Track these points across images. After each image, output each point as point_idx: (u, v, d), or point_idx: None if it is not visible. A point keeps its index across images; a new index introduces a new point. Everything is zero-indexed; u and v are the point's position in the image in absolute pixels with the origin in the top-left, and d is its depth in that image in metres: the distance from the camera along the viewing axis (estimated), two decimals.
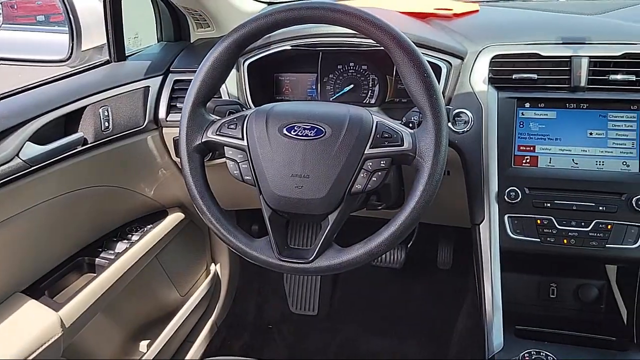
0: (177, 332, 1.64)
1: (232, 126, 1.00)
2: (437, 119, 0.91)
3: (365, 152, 0.93)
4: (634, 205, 1.06)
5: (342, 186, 0.94)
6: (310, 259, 0.96)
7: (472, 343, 1.78)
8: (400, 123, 0.99)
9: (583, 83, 1.13)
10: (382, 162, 0.93)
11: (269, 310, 2.06)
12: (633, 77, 1.11)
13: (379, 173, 0.94)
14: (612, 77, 1.11)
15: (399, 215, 0.93)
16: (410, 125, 0.99)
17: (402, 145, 0.93)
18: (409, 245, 1.95)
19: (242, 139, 0.99)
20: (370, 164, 0.93)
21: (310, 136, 0.95)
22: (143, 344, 1.54)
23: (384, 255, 1.93)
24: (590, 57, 1.13)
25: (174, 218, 1.60)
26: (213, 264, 1.92)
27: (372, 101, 1.38)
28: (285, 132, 0.96)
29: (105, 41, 1.40)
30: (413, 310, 1.99)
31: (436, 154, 0.91)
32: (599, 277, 1.29)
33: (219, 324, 1.94)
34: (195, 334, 1.82)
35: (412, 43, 0.92)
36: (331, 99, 1.40)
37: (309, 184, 0.94)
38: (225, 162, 1.01)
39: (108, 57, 1.41)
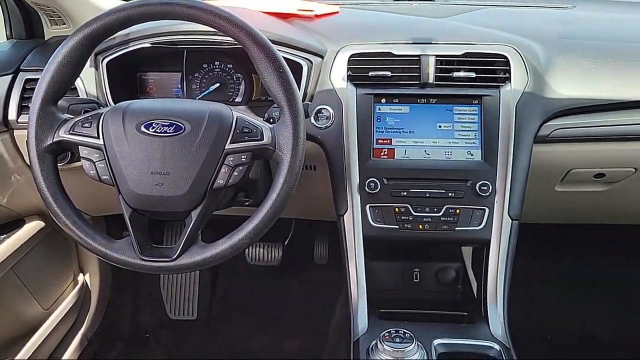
0: (40, 348, 1.54)
1: (87, 125, 0.97)
2: (293, 112, 0.94)
3: (226, 148, 0.95)
4: (478, 190, 1.16)
5: (203, 182, 0.94)
6: (174, 257, 0.95)
7: (347, 332, 1.84)
8: (263, 119, 1.02)
9: (431, 80, 1.22)
10: (242, 157, 0.95)
11: (145, 318, 2.00)
12: (473, 75, 1.21)
13: (241, 168, 0.95)
14: (456, 74, 1.22)
15: (261, 209, 0.95)
16: (271, 120, 1.02)
17: (262, 140, 0.95)
18: (286, 243, 1.99)
19: (98, 137, 0.96)
20: (232, 158, 0.95)
21: (169, 133, 0.94)
22: None
23: (261, 254, 1.95)
24: (436, 56, 1.22)
25: (33, 227, 1.50)
26: (81, 274, 1.82)
27: (239, 100, 1.39)
28: (143, 129, 0.94)
29: None
30: (292, 306, 2.03)
31: (294, 147, 0.94)
32: (457, 260, 1.39)
33: (89, 336, 1.84)
34: (63, 348, 1.71)
35: (267, 39, 0.94)
36: (197, 98, 1.39)
37: (170, 181, 0.93)
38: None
39: None
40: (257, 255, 1.94)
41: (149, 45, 1.26)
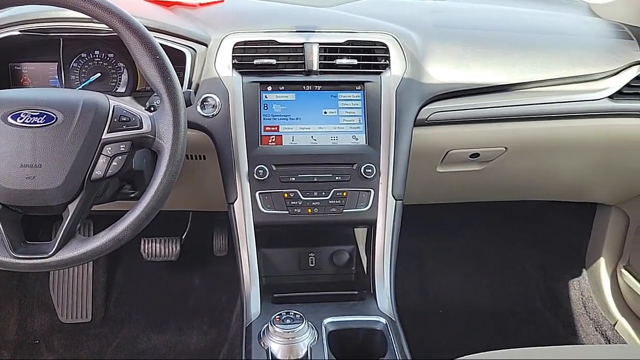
0: None
1: None
2: (173, 100, 0.93)
3: (103, 137, 0.92)
4: (363, 173, 1.21)
5: (80, 173, 0.91)
6: (51, 252, 0.91)
7: None
8: (145, 109, 1.00)
9: (315, 67, 1.25)
10: (121, 146, 0.93)
11: (34, 324, 1.89)
12: (355, 62, 1.26)
13: (120, 157, 0.93)
14: (339, 61, 1.25)
15: (144, 198, 0.93)
16: (152, 109, 1.00)
17: (141, 129, 0.93)
18: (183, 237, 1.96)
19: None
20: (110, 148, 0.92)
21: (40, 123, 0.90)
22: None
23: (158, 250, 1.91)
24: (320, 43, 1.25)
25: None
26: None
27: (122, 90, 1.34)
28: (10, 120, 0.89)
29: None
30: (193, 300, 2.00)
31: (175, 134, 0.93)
32: (350, 242, 1.44)
33: None
34: None
35: (142, 26, 0.92)
36: (78, 89, 1.33)
37: (42, 174, 0.89)
38: None
39: None
40: (153, 250, 1.89)
41: (18, 33, 1.19)
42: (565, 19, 1.57)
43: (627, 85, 1.37)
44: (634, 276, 1.81)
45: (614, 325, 1.87)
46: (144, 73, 0.94)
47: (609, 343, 1.82)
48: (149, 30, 0.95)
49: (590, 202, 1.92)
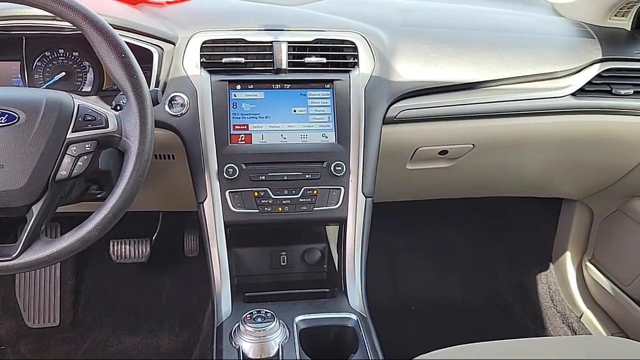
0: None
1: None
2: (139, 98, 0.92)
3: (67, 137, 0.90)
4: (333, 171, 1.22)
5: (44, 174, 0.89)
6: (14, 255, 0.89)
7: None
8: (111, 107, 0.98)
9: (284, 66, 1.25)
10: (87, 146, 0.91)
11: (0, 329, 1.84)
12: (324, 60, 1.26)
13: (85, 157, 0.91)
14: (308, 59, 1.26)
15: (110, 198, 0.92)
16: (118, 108, 0.98)
17: (107, 128, 0.92)
18: (153, 237, 1.93)
19: None
20: (74, 148, 0.90)
21: (1, 123, 0.88)
22: None
23: (127, 251, 1.88)
24: (289, 42, 1.25)
25: None
26: None
27: (88, 89, 1.32)
28: None
29: None
30: (164, 301, 1.98)
31: (142, 133, 0.92)
32: (322, 241, 1.44)
33: None
34: None
35: (106, 23, 0.91)
36: (42, 89, 1.30)
37: (4, 174, 0.87)
38: None
39: None
40: (123, 252, 1.86)
41: None
42: (530, 18, 1.61)
43: (589, 82, 1.40)
44: (598, 269, 1.86)
45: (580, 318, 1.92)
46: (109, 71, 0.92)
47: (575, 334, 1.87)
48: (114, 28, 0.94)
49: (556, 198, 1.97)
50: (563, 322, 1.94)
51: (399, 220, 2.05)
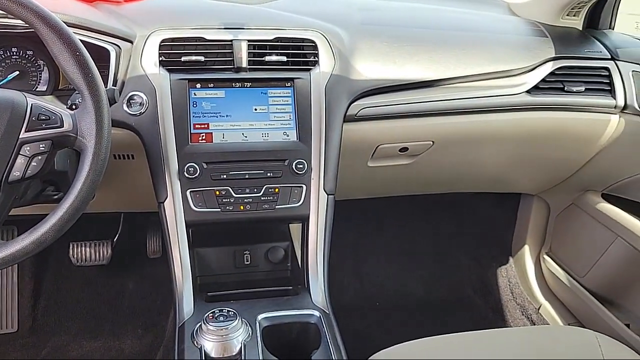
0: None
1: None
2: (95, 97, 0.90)
3: (21, 137, 0.88)
4: (295, 169, 1.22)
5: None
6: None
7: None
8: (67, 107, 0.96)
9: (244, 64, 1.24)
10: (41, 146, 0.89)
11: None
12: (285, 58, 1.27)
13: (39, 157, 0.90)
14: (268, 58, 1.26)
15: (66, 199, 0.90)
16: (74, 107, 0.97)
17: (62, 127, 0.90)
18: (114, 239, 1.90)
19: None
20: (28, 148, 0.89)
21: None
22: None
23: (88, 254, 1.85)
24: (249, 40, 1.25)
25: None
26: None
27: (43, 89, 1.29)
28: None
29: None
30: (127, 304, 1.95)
31: (99, 132, 0.91)
32: (285, 239, 1.44)
33: None
34: None
35: (59, 21, 0.89)
36: None
37: None
38: None
39: None
40: (83, 255, 1.83)
41: None
42: (486, 17, 1.65)
43: (543, 80, 1.44)
44: (555, 262, 1.92)
45: (538, 309, 1.97)
46: (63, 70, 0.90)
47: (534, 325, 1.92)
48: (69, 26, 0.92)
49: (515, 193, 2.02)
50: (522, 314, 1.99)
51: (364, 217, 2.07)
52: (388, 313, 2.00)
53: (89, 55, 0.91)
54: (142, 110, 1.19)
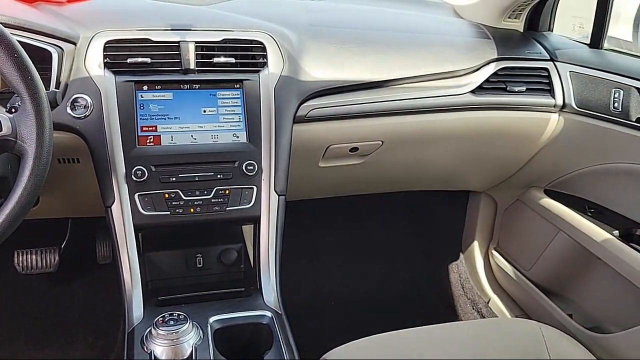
0: None
1: None
2: (35, 100, 0.88)
3: None
4: (245, 170, 1.22)
5: None
6: None
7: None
8: (5, 110, 0.94)
9: (192, 66, 1.24)
10: None
11: None
12: (233, 60, 1.26)
13: None
14: (216, 60, 1.25)
15: (7, 205, 0.88)
16: (13, 110, 0.94)
17: (1, 131, 0.88)
18: (62, 246, 1.85)
19: None
20: None
21: None
22: None
23: (34, 262, 1.80)
24: (196, 42, 1.24)
25: None
26: None
27: None
28: None
29: None
30: (78, 311, 1.90)
31: (39, 136, 0.89)
32: (238, 241, 1.44)
33: None
34: None
35: None
36: None
37: None
38: None
39: None
40: (29, 263, 1.77)
41: None
42: (432, 19, 1.69)
43: (486, 80, 1.49)
44: (503, 256, 1.98)
45: (488, 303, 2.03)
46: (1, 73, 0.88)
47: (483, 318, 1.97)
48: (7, 27, 0.90)
49: (463, 190, 2.07)
50: (473, 308, 2.05)
51: (317, 218, 2.08)
52: (342, 311, 2.02)
53: (28, 57, 0.89)
54: (87, 113, 1.17)
